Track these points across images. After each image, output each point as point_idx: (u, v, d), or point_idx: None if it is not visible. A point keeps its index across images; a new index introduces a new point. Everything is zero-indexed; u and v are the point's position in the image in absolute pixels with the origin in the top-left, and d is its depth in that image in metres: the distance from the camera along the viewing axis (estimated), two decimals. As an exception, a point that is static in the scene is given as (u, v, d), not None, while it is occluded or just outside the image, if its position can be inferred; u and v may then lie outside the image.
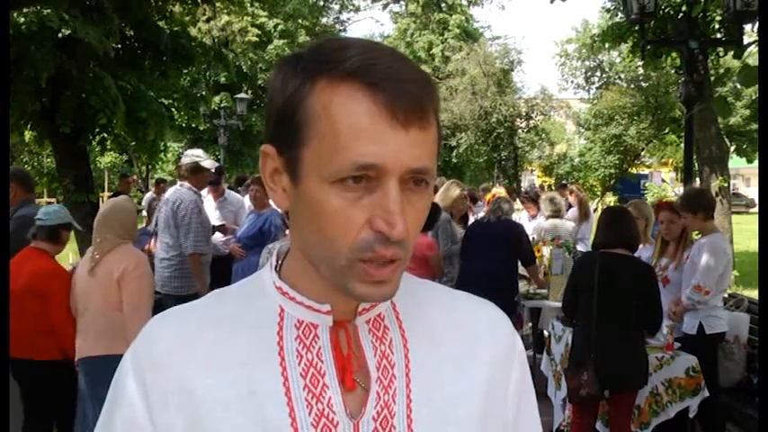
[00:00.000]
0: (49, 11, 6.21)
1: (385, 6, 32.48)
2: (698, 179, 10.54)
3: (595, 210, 16.63)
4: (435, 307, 0.87)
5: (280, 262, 0.85)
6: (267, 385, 0.76)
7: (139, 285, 3.42)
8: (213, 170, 7.08)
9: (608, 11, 15.86)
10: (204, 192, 7.11)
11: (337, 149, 0.70)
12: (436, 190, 7.83)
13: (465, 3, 30.13)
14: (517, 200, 10.10)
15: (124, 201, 3.87)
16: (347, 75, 0.70)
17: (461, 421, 0.81)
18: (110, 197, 11.23)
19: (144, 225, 6.97)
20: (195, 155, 5.31)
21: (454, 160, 25.34)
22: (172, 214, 4.99)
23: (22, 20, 6.03)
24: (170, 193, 5.30)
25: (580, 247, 7.17)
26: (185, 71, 11.01)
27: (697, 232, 4.59)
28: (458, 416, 0.81)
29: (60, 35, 6.36)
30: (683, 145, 8.00)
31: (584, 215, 7.63)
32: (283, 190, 0.77)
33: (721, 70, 12.50)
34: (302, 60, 0.74)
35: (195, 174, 5.16)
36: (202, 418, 0.75)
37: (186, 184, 5.15)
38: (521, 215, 8.40)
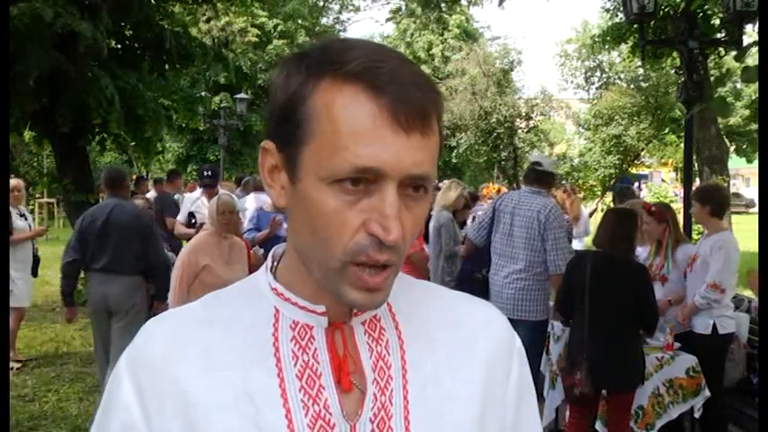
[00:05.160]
0: (42, 4, 6.13)
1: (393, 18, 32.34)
2: (698, 179, 10.54)
3: (595, 210, 16.62)
4: (432, 307, 0.87)
5: (275, 263, 0.84)
6: (263, 387, 0.76)
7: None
8: (207, 173, 7.09)
9: (608, 11, 15.87)
10: (198, 193, 7.11)
11: (337, 150, 0.69)
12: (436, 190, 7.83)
13: (465, 3, 30.13)
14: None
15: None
16: (352, 76, 0.69)
17: (459, 422, 0.80)
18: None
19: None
20: (545, 160, 4.77)
21: (454, 160, 25.33)
22: (538, 224, 4.42)
23: (15, 12, 5.94)
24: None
25: (574, 246, 7.24)
26: (185, 71, 11.00)
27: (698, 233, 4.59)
28: (455, 417, 0.80)
29: (60, 31, 6.31)
30: (682, 145, 8.00)
31: (574, 217, 7.62)
32: (282, 187, 0.76)
33: (723, 70, 12.52)
34: (307, 59, 0.73)
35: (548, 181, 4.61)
36: (199, 421, 0.75)
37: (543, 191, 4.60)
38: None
